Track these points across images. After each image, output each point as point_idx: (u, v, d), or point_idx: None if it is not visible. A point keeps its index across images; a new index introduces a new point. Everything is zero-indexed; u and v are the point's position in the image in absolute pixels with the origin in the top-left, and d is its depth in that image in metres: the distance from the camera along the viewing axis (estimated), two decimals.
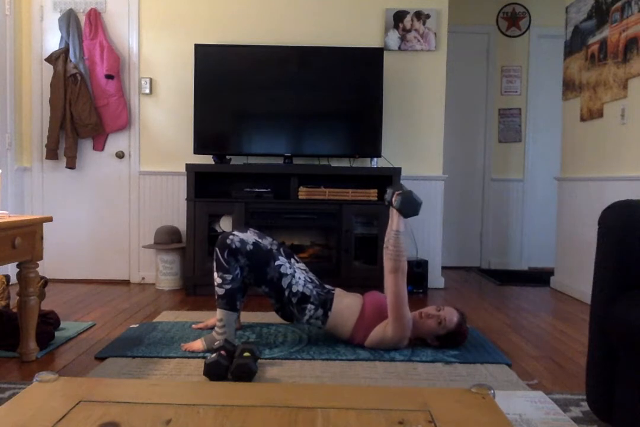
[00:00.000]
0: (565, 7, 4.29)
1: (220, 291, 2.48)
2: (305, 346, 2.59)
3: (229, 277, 2.47)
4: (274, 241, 2.66)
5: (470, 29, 5.24)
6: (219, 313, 2.50)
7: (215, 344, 2.29)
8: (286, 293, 2.53)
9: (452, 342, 2.57)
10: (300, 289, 2.54)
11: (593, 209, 3.73)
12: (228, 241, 2.47)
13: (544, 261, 5.22)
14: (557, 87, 4.76)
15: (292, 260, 2.65)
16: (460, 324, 2.55)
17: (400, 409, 1.10)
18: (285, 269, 2.54)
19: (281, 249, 2.64)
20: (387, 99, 4.11)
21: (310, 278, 2.64)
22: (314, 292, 2.57)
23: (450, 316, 2.54)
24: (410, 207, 2.44)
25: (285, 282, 2.53)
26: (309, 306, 2.54)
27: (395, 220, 2.47)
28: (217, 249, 2.49)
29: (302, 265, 2.71)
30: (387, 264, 2.47)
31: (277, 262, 2.54)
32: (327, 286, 2.69)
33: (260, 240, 2.56)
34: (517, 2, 5.26)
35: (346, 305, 2.58)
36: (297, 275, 2.57)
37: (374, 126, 3.93)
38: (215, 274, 2.50)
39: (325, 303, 2.56)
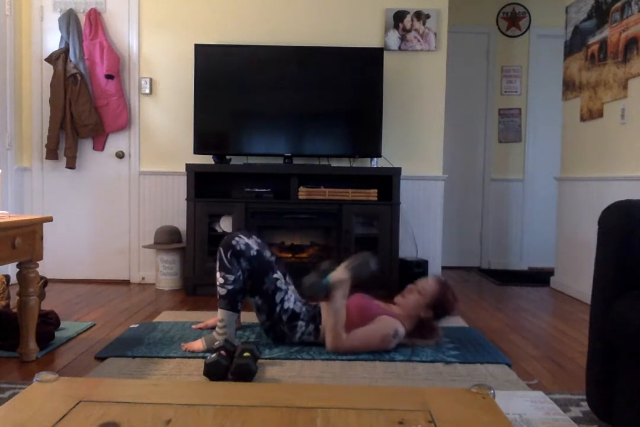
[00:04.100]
0: (565, 7, 4.28)
1: (222, 291, 2.49)
2: (305, 346, 2.59)
3: (231, 277, 2.47)
4: (272, 256, 2.65)
5: (470, 29, 5.24)
6: (220, 313, 2.50)
7: (215, 344, 2.29)
8: (277, 309, 2.54)
9: (445, 307, 2.57)
10: (291, 306, 2.56)
11: (593, 209, 3.73)
12: (233, 242, 2.49)
13: (544, 261, 5.22)
14: (557, 87, 4.76)
15: (287, 278, 2.67)
16: (440, 285, 2.58)
17: (400, 409, 1.10)
18: (281, 284, 2.57)
19: (278, 265, 2.65)
20: (387, 99, 4.11)
21: (299, 297, 2.65)
22: (303, 309, 2.59)
23: (424, 281, 2.62)
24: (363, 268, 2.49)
25: (278, 297, 2.54)
26: (300, 323, 2.55)
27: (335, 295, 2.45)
28: (221, 249, 2.50)
29: (292, 287, 2.69)
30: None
31: (275, 275, 2.55)
32: (312, 303, 2.69)
33: (261, 250, 2.57)
34: (517, 2, 5.26)
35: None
36: (290, 292, 2.60)
37: (374, 126, 3.93)
38: (218, 274, 2.50)
39: (315, 318, 2.57)
